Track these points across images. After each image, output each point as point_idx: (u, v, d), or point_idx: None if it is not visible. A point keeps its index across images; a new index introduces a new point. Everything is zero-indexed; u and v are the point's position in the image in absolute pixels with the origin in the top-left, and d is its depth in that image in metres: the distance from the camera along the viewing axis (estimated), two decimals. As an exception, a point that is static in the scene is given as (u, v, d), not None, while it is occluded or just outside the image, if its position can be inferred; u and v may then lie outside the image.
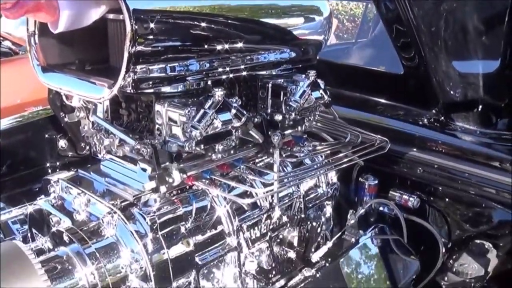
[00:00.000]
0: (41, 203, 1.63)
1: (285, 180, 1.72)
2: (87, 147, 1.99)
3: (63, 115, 1.88)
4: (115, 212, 1.44)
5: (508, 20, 1.74)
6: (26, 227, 1.81)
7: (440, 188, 2.07)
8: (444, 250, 2.03)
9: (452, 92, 1.94)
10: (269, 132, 1.72)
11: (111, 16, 1.48)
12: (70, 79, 1.55)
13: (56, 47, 1.60)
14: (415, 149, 2.10)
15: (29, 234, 1.72)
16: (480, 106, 1.94)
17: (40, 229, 1.64)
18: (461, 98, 1.93)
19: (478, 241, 2.02)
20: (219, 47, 1.57)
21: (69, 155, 2.10)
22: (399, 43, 1.99)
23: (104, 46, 1.54)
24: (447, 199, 2.08)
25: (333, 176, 2.04)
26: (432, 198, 2.10)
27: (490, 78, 1.89)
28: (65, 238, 1.44)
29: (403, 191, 2.11)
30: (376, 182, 2.15)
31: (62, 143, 2.10)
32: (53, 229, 1.50)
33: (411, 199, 2.09)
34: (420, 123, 2.14)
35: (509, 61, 1.85)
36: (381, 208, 2.14)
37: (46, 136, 2.14)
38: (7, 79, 4.37)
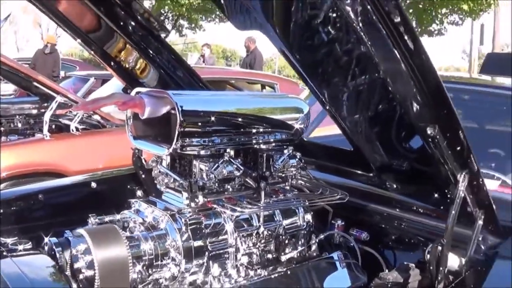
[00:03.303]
0: (126, 212, 2.84)
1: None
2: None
3: (141, 172, 2.97)
4: (166, 215, 2.64)
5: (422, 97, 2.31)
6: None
7: (382, 226, 3.11)
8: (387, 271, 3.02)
9: (379, 162, 2.98)
10: (260, 182, 2.90)
11: (173, 111, 2.76)
12: (147, 143, 2.83)
13: (143, 126, 2.86)
14: (365, 201, 3.17)
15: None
16: (402, 171, 2.88)
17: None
18: (387, 164, 2.95)
19: (405, 262, 2.88)
20: (235, 131, 2.83)
21: None
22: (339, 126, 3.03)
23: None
24: (387, 234, 3.10)
25: (309, 218, 3.06)
26: (378, 233, 3.13)
27: (404, 149, 2.84)
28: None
29: (358, 229, 3.15)
30: (343, 223, 3.21)
31: (139, 193, 2.99)
32: (131, 224, 2.73)
33: (362, 234, 3.10)
34: (367, 182, 3.20)
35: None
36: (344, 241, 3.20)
37: (128, 187, 3.15)
38: (97, 146, 5.83)
